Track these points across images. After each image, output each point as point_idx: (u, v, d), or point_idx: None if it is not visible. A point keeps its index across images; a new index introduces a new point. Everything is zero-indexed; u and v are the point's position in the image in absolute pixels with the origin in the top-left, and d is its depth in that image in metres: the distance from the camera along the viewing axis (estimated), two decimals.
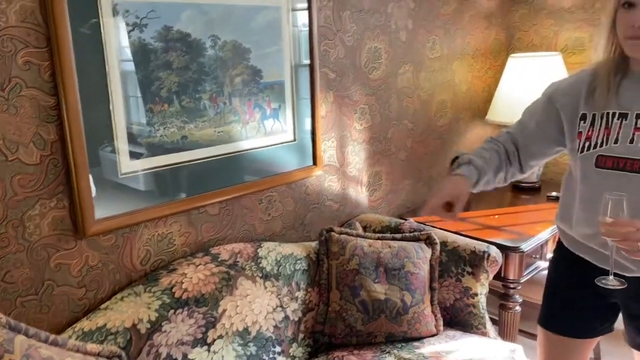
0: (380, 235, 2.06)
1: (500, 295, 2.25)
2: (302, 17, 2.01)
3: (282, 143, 2.04)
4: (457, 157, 1.57)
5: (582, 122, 1.43)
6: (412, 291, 1.92)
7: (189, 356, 1.58)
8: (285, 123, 2.03)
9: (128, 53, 1.57)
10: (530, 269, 2.28)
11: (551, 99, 1.51)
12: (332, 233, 1.99)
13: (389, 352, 1.84)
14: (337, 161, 2.29)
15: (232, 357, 1.67)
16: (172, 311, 1.58)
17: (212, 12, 1.74)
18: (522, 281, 2.22)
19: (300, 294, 1.91)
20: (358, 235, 2.02)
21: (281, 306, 1.85)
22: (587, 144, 1.41)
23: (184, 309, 1.61)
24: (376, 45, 2.34)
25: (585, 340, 1.60)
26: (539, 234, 2.27)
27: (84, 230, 1.53)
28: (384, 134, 2.47)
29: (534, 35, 3.05)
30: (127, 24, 1.55)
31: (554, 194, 2.67)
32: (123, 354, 1.31)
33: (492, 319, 2.12)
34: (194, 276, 1.67)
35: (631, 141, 1.34)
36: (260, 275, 1.82)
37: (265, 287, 1.82)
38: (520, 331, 2.35)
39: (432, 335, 1.94)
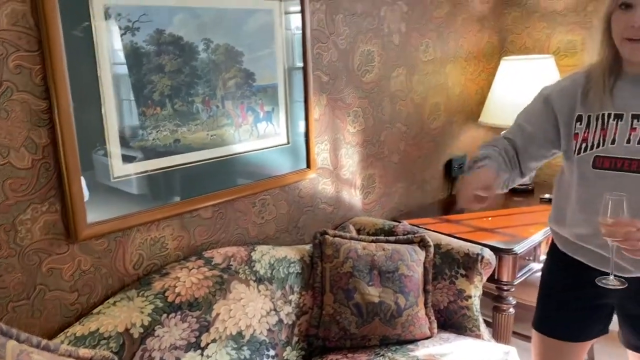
0: (374, 238, 2.06)
1: (494, 298, 2.25)
2: (295, 20, 2.01)
3: (276, 146, 2.03)
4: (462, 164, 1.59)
5: (578, 123, 1.44)
6: (406, 294, 1.92)
7: None
8: (279, 126, 2.03)
9: (120, 56, 1.57)
10: (524, 271, 2.29)
11: (548, 101, 1.51)
12: (326, 236, 1.99)
13: (383, 355, 1.84)
14: (330, 164, 2.29)
15: None
16: (165, 315, 1.58)
17: (204, 15, 1.74)
18: (515, 283, 2.22)
19: (294, 297, 1.91)
20: (352, 238, 2.02)
21: (275, 310, 1.84)
22: (583, 145, 1.41)
23: (177, 313, 1.60)
24: (369, 49, 2.35)
25: (580, 343, 1.60)
26: (532, 236, 2.28)
27: (76, 234, 1.52)
28: (377, 136, 2.48)
29: (526, 38, 3.07)
30: (119, 28, 1.55)
31: (547, 196, 2.68)
32: (116, 358, 1.30)
33: (485, 321, 2.12)
34: (187, 280, 1.67)
35: (628, 141, 1.36)
36: (254, 278, 1.82)
37: (259, 291, 1.82)
38: (514, 333, 2.36)
39: (426, 338, 1.94)
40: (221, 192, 1.87)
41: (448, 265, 2.05)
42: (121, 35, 1.56)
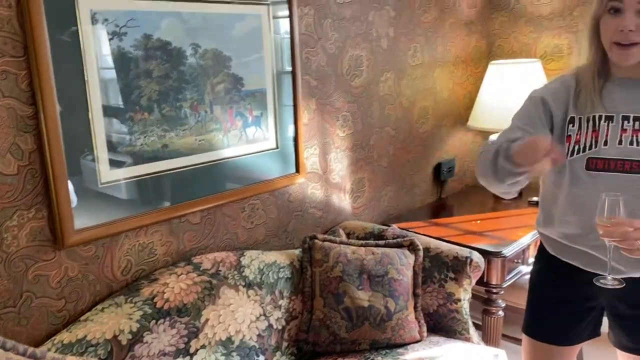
0: (363, 242, 2.06)
1: (483, 301, 2.26)
2: (284, 25, 2.02)
3: (265, 151, 2.03)
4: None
5: (570, 125, 1.45)
6: (396, 298, 1.92)
7: None
8: (268, 131, 2.03)
9: (107, 61, 1.56)
10: (513, 274, 2.30)
11: (545, 102, 1.48)
12: (316, 240, 1.99)
13: (373, 359, 1.84)
14: (320, 168, 2.29)
15: None
16: (153, 321, 1.57)
17: (192, 20, 1.73)
18: (504, 286, 2.23)
19: (283, 302, 1.91)
20: (341, 242, 2.02)
21: (264, 315, 1.84)
22: (576, 147, 1.42)
23: (165, 319, 1.59)
24: (358, 53, 2.36)
25: (570, 346, 1.60)
26: (521, 238, 2.29)
27: (63, 240, 1.51)
28: (367, 140, 2.48)
29: (513, 42, 3.09)
30: (107, 33, 1.54)
31: (535, 198, 2.69)
32: None
33: (475, 324, 2.12)
34: (175, 286, 1.66)
35: (619, 142, 1.38)
36: (243, 284, 1.81)
37: (249, 296, 1.81)
38: (504, 336, 2.36)
39: (416, 342, 1.94)
40: (210, 197, 1.87)
41: (437, 269, 2.05)
42: (109, 40, 1.55)
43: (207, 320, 1.67)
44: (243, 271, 1.83)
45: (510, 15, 3.08)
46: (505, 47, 3.12)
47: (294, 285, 1.95)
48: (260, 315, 1.82)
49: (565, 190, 1.46)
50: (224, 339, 1.70)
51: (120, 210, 1.65)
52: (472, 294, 2.10)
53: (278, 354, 1.85)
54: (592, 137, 1.40)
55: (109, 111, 1.58)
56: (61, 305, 1.56)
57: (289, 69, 2.06)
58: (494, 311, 2.23)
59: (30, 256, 1.49)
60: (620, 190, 1.30)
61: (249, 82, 1.93)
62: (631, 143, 1.37)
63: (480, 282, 2.15)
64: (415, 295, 2.00)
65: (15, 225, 1.45)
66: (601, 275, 1.39)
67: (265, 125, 2.02)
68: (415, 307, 1.99)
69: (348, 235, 2.25)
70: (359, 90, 2.39)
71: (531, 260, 2.29)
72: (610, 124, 1.39)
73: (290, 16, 2.01)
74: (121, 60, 1.58)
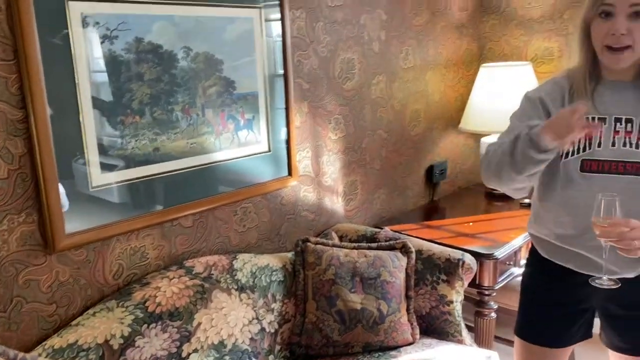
0: (356, 244, 2.06)
1: (476, 302, 2.26)
2: (276, 28, 2.02)
3: (257, 154, 2.03)
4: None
5: None
6: (389, 300, 1.92)
7: None
8: (260, 134, 2.03)
9: (99, 64, 1.56)
10: (505, 276, 2.31)
11: (544, 103, 1.48)
12: (308, 243, 1.99)
13: None
14: (312, 171, 2.29)
15: None
16: (145, 326, 1.56)
17: (183, 23, 1.73)
18: (496, 288, 2.24)
19: (276, 306, 1.90)
20: (334, 245, 2.02)
21: (257, 318, 1.83)
22: (570, 149, 1.43)
23: (157, 324, 1.58)
24: (349, 56, 2.36)
25: (563, 348, 1.61)
26: (513, 240, 2.30)
27: (54, 245, 1.50)
28: (359, 143, 2.49)
29: (504, 45, 3.11)
30: (98, 36, 1.54)
31: (526, 201, 2.70)
32: None
33: (467, 326, 2.13)
34: (167, 290, 1.65)
35: (613, 144, 1.39)
36: (236, 287, 1.81)
37: (241, 300, 1.80)
38: (496, 338, 2.37)
39: (409, 344, 1.94)
40: (202, 201, 1.86)
41: (430, 271, 2.06)
42: (100, 44, 1.55)
43: (199, 324, 1.66)
44: (235, 275, 1.83)
45: (501, 18, 3.09)
46: (496, 50, 3.14)
47: (287, 289, 1.95)
48: (253, 318, 1.82)
49: (558, 191, 1.47)
50: (216, 342, 1.69)
51: (112, 214, 1.64)
52: (465, 296, 2.10)
53: (271, 357, 1.85)
54: (586, 139, 1.41)
55: (100, 114, 1.57)
56: (52, 310, 1.55)
57: (281, 72, 2.06)
58: (486, 313, 2.23)
59: (20, 261, 1.48)
60: (615, 192, 1.31)
61: (240, 85, 1.93)
62: (624, 144, 1.38)
63: (472, 284, 2.15)
64: (407, 297, 2.00)
65: (5, 229, 1.44)
66: (596, 276, 1.39)
67: (258, 128, 2.02)
68: (407, 310, 1.99)
69: (340, 238, 2.25)
70: (351, 93, 2.40)
71: (523, 262, 2.30)
72: (604, 126, 1.40)
73: (282, 19, 2.01)
74: (112, 63, 1.58)
